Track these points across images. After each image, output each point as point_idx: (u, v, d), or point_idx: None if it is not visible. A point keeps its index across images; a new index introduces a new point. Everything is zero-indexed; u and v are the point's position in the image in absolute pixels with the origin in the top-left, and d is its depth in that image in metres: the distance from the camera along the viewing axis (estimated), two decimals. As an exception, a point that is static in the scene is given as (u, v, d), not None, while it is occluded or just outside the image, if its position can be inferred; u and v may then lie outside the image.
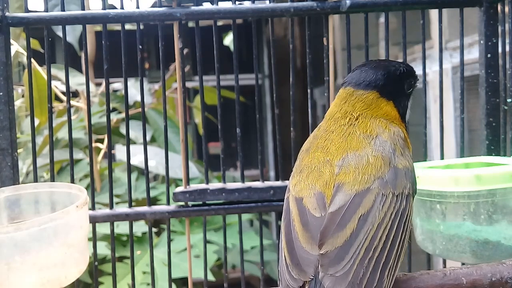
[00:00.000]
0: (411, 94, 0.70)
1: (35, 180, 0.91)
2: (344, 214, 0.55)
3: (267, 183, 0.96)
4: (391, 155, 0.60)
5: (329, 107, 0.69)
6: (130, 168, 0.96)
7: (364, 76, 0.66)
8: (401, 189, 0.58)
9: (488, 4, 0.93)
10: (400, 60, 0.81)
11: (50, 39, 0.91)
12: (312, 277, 0.53)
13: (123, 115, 1.97)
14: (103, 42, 0.92)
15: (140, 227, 1.67)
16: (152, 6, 0.94)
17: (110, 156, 1.02)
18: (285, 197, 0.62)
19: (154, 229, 1.82)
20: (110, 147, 0.94)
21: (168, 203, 0.96)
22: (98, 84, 2.16)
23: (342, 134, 0.62)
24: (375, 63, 0.68)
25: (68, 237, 0.69)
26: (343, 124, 0.63)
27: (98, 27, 1.69)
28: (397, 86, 0.67)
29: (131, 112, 1.88)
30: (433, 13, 1.41)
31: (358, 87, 0.65)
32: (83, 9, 0.92)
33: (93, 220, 0.92)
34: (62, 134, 1.87)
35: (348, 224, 0.54)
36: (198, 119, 2.62)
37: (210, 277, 1.51)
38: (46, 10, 0.92)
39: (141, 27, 0.95)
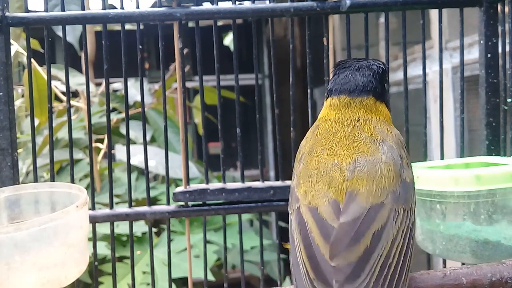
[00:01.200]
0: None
1: (35, 180, 0.91)
2: (359, 228, 0.54)
3: (267, 183, 0.96)
4: (400, 166, 0.59)
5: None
6: (130, 168, 0.96)
7: (355, 81, 0.64)
8: (410, 205, 0.58)
9: (488, 4, 0.93)
10: (400, 60, 0.81)
11: (50, 39, 0.91)
12: None
13: (123, 115, 1.97)
14: (103, 42, 0.92)
15: (140, 227, 1.67)
16: (152, 6, 0.94)
17: (110, 156, 1.02)
18: (294, 207, 0.59)
19: (154, 229, 1.82)
20: (110, 147, 0.94)
21: (168, 203, 0.96)
22: (98, 84, 2.16)
23: (347, 135, 0.61)
24: (355, 64, 0.66)
25: (68, 237, 0.69)
26: (346, 125, 0.62)
27: (98, 27, 1.69)
28: (383, 85, 0.66)
29: (131, 112, 1.88)
30: (433, 13, 1.41)
31: (353, 94, 0.64)
32: (83, 9, 0.92)
33: (93, 220, 0.92)
34: (62, 134, 1.88)
35: (362, 239, 0.53)
36: (198, 119, 2.62)
37: (210, 277, 1.51)
38: (46, 10, 0.92)
39: (141, 27, 0.95)
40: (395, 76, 1.92)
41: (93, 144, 1.53)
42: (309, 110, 0.95)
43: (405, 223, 0.56)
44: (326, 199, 0.56)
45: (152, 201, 1.40)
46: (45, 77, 1.30)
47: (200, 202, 0.96)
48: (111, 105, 1.38)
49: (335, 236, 0.54)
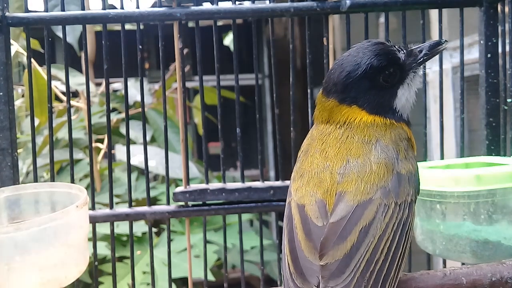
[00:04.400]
0: (401, 82, 0.64)
1: (35, 180, 0.91)
2: (345, 226, 0.55)
3: (267, 183, 0.96)
4: (395, 160, 0.59)
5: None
6: (130, 168, 0.96)
7: (332, 79, 0.63)
8: (404, 197, 0.58)
9: (488, 4, 0.93)
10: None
11: (50, 39, 0.91)
12: (315, 287, 0.53)
13: (123, 115, 1.97)
14: (103, 42, 0.92)
15: (140, 227, 1.67)
16: (152, 6, 0.94)
17: (110, 156, 1.02)
18: (287, 201, 0.61)
19: (154, 229, 1.82)
20: (110, 147, 0.94)
21: (168, 203, 0.96)
22: (98, 84, 2.16)
23: (339, 138, 0.61)
24: (346, 59, 0.63)
25: (68, 237, 0.69)
26: (338, 128, 0.62)
27: (98, 27, 1.69)
28: (362, 86, 0.62)
29: (131, 112, 1.88)
30: (433, 13, 1.42)
31: (324, 92, 0.64)
32: (83, 9, 0.92)
33: (93, 220, 0.92)
34: (62, 134, 1.88)
35: (349, 237, 0.54)
36: (198, 119, 2.62)
37: (210, 277, 1.51)
38: (46, 10, 0.92)
39: (141, 27, 0.95)
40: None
41: (93, 144, 1.53)
42: (309, 110, 0.95)
43: (396, 217, 0.56)
44: (314, 199, 0.58)
45: (152, 201, 1.40)
46: (45, 77, 1.30)
47: (200, 202, 0.96)
48: (111, 105, 1.38)
49: (324, 236, 0.55)
